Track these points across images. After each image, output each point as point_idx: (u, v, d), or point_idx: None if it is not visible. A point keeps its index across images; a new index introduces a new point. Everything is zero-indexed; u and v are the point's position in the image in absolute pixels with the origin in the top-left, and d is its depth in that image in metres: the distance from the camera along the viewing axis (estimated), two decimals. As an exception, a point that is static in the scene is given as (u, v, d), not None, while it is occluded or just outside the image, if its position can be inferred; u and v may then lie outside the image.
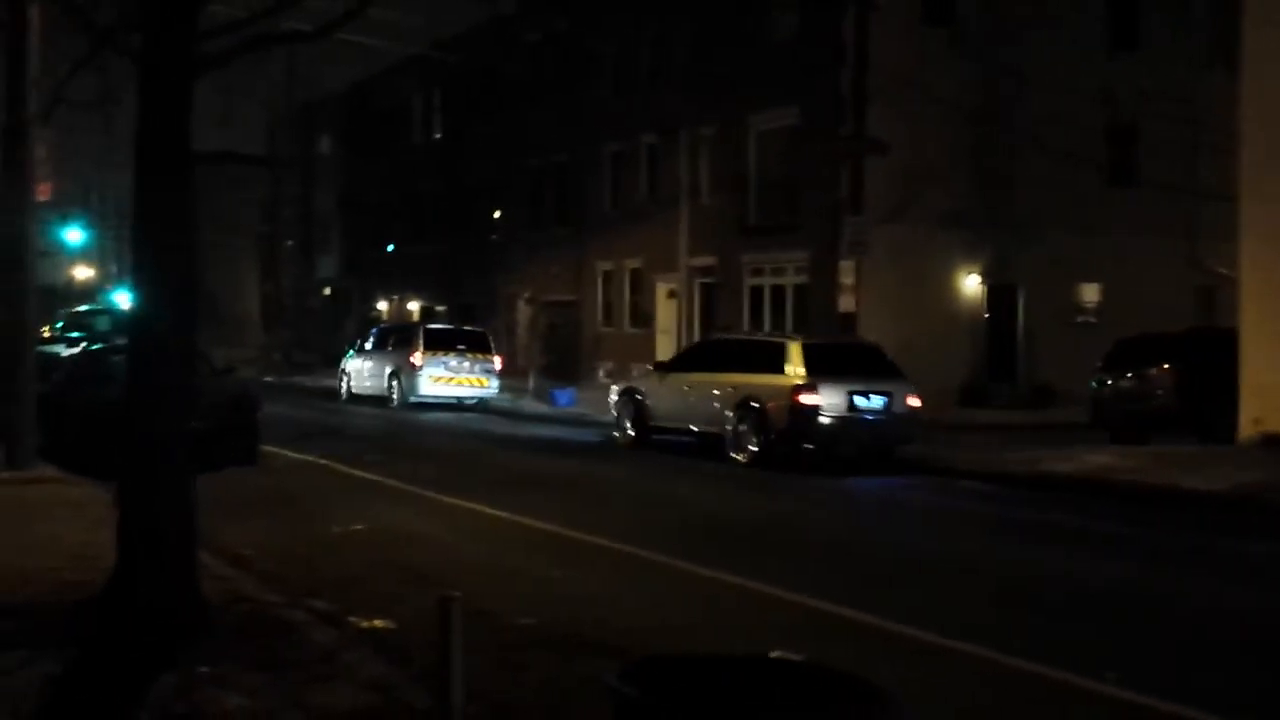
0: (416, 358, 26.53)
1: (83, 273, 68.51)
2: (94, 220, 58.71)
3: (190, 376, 7.08)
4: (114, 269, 69.18)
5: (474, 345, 27.22)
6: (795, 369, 16.08)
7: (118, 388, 11.94)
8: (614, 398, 19.52)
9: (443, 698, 4.36)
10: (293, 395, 30.82)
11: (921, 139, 24.39)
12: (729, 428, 16.55)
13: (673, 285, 31.13)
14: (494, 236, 39.37)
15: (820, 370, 16.00)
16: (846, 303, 21.99)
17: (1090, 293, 27.96)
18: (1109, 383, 19.60)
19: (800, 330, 24.73)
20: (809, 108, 25.94)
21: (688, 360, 19.14)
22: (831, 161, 23.93)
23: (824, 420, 15.80)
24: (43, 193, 14.63)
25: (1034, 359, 27.12)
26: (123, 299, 63.24)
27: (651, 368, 21.10)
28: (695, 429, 17.44)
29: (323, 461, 16.02)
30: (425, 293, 44.64)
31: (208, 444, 10.01)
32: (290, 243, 54.90)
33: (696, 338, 30.25)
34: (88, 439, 13.73)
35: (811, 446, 16.03)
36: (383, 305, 48.31)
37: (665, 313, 31.55)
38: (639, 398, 18.70)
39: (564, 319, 34.31)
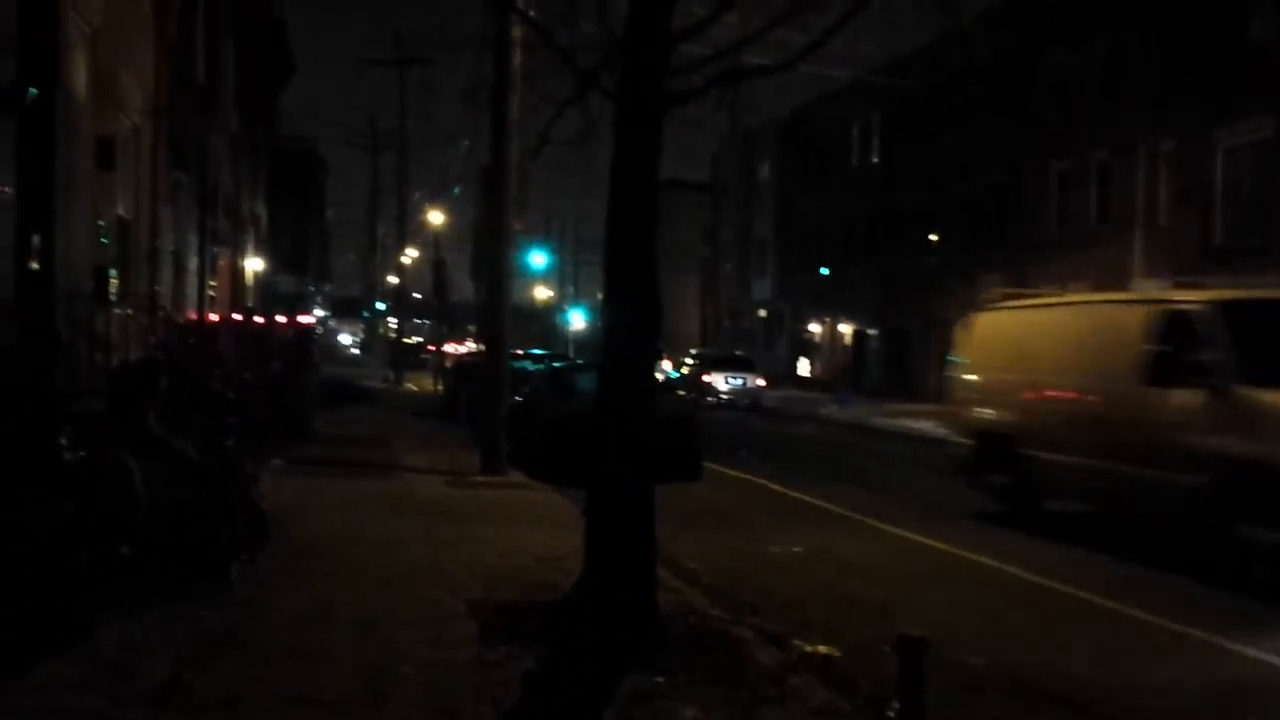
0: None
1: (542, 293, 74.45)
2: (554, 246, 63.61)
3: (653, 394, 7.46)
4: (570, 290, 74.61)
5: (742, 366, 38.12)
6: (699, 365, 38.28)
7: (580, 402, 12.79)
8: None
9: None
10: (725, 413, 31.81)
11: None
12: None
13: (1123, 311, 29.16)
14: (929, 259, 38.73)
15: (711, 367, 37.32)
16: (1331, 333, 19.45)
17: None
18: None
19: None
20: (1289, 118, 23.53)
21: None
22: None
23: (719, 387, 35.84)
24: (518, 223, 16.01)
25: None
26: (576, 318, 67.93)
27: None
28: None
29: (759, 480, 16.39)
30: (857, 316, 44.65)
31: (656, 458, 10.52)
32: (728, 265, 56.81)
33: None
34: (552, 449, 14.87)
35: (711, 399, 34.69)
36: (814, 327, 48.82)
37: (1114, 340, 29.60)
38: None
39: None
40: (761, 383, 36.87)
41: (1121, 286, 28.79)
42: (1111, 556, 11.22)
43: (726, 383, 36.05)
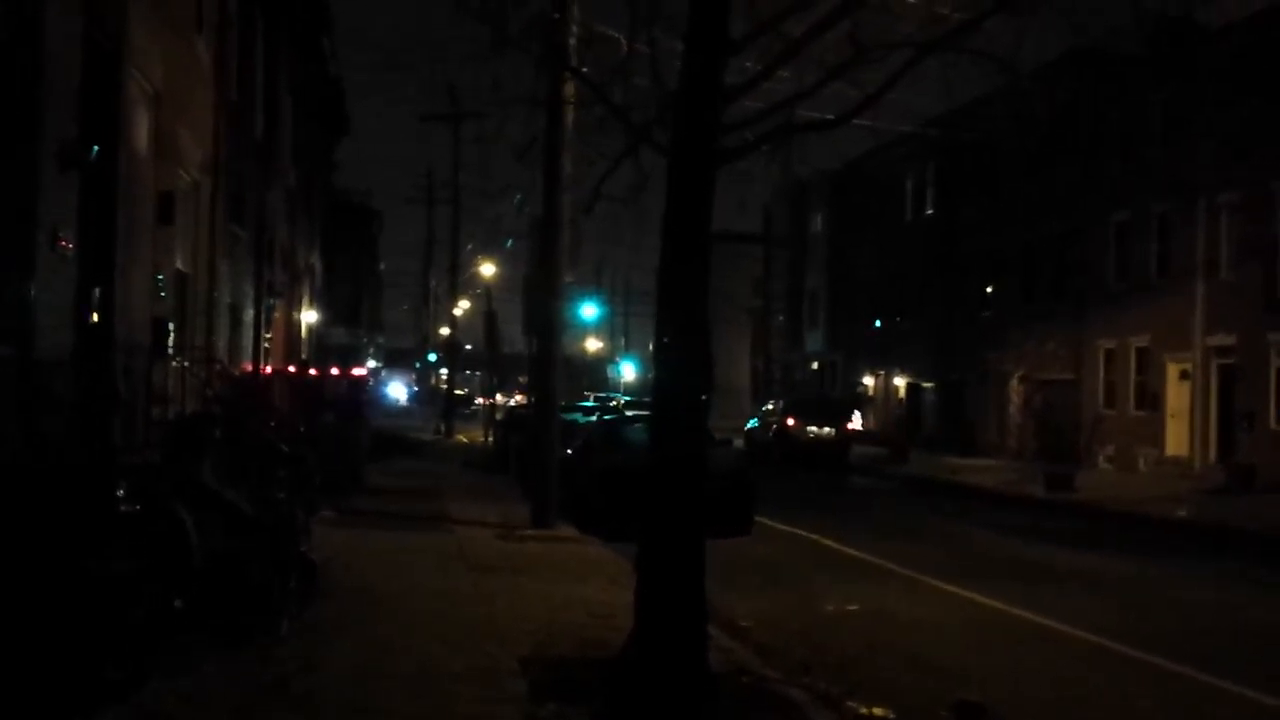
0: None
1: (593, 344, 74.75)
2: (605, 297, 63.83)
3: (704, 448, 7.38)
4: (621, 341, 74.79)
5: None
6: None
7: (630, 455, 12.68)
8: None
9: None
10: (776, 467, 31.55)
11: None
12: None
13: (1185, 365, 28.71)
14: (985, 312, 38.38)
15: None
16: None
17: None
18: None
19: None
20: (1353, 168, 23.12)
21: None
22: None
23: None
24: (569, 275, 16.04)
25: None
26: (627, 369, 68.02)
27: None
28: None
29: (812, 535, 16.18)
30: (911, 368, 44.29)
31: (706, 512, 10.42)
32: (780, 317, 56.68)
33: (1214, 422, 27.74)
34: (602, 502, 14.78)
35: None
36: (868, 380, 48.47)
37: (1176, 395, 29.14)
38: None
39: (1060, 399, 32.64)
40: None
41: (1186, 339, 28.35)
42: (1180, 617, 10.92)
43: None
